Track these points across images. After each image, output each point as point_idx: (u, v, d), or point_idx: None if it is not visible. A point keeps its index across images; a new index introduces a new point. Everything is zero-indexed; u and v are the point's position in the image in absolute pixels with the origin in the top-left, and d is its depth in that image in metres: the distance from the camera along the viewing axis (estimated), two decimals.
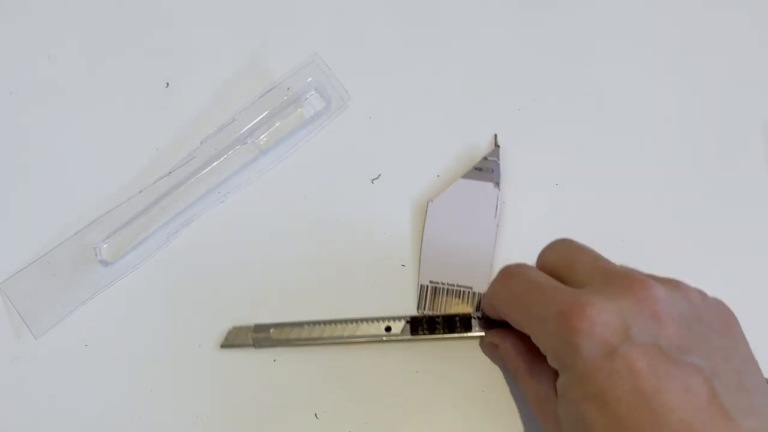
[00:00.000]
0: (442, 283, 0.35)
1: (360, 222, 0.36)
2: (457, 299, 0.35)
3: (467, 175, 0.36)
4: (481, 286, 0.35)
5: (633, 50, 0.39)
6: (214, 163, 0.36)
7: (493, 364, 0.34)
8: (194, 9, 0.39)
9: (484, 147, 0.37)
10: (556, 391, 0.27)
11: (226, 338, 0.34)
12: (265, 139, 0.37)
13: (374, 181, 0.37)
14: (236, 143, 0.36)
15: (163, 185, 0.36)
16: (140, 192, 0.36)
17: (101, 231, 0.35)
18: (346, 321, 0.34)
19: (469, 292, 0.35)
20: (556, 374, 0.27)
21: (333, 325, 0.34)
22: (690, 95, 0.38)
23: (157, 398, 0.34)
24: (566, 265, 0.29)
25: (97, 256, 0.35)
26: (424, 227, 0.36)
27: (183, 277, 0.35)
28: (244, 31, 0.39)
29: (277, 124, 0.37)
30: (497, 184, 0.36)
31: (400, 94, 0.38)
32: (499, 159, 0.36)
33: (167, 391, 0.34)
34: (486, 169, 0.36)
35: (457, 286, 0.35)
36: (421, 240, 0.36)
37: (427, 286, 0.35)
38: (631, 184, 0.37)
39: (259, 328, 0.34)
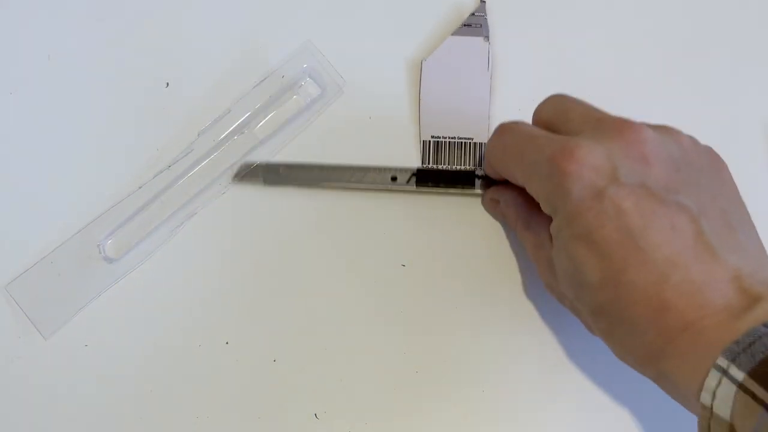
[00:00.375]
0: (443, 137, 0.36)
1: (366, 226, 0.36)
2: (459, 152, 0.35)
3: (457, 32, 0.37)
4: (481, 136, 0.36)
5: (632, 49, 0.38)
6: (213, 155, 0.36)
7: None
8: (185, 2, 0.39)
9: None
10: (551, 239, 0.28)
11: (238, 172, 0.35)
12: (262, 128, 0.37)
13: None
14: (234, 134, 0.36)
15: (163, 179, 0.36)
16: (140, 187, 0.35)
17: (104, 228, 0.35)
18: (354, 167, 0.35)
19: (470, 143, 0.36)
20: (550, 223, 0.28)
21: (341, 170, 0.35)
22: (690, 95, 0.38)
23: (157, 398, 0.34)
24: (560, 116, 0.29)
25: (101, 253, 0.35)
26: (420, 85, 0.36)
27: (187, 271, 0.35)
28: (236, 22, 0.39)
29: (273, 113, 0.37)
30: (487, 38, 0.37)
31: (395, 77, 0.38)
32: (486, 14, 0.37)
33: (167, 390, 0.34)
34: (474, 24, 0.37)
35: (458, 138, 0.36)
36: (419, 98, 0.36)
37: (429, 141, 0.36)
38: None
39: (270, 166, 0.36)
